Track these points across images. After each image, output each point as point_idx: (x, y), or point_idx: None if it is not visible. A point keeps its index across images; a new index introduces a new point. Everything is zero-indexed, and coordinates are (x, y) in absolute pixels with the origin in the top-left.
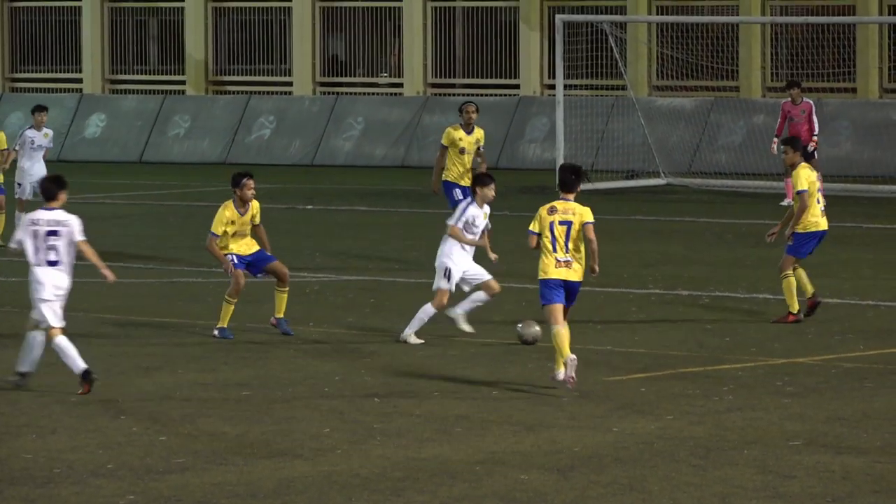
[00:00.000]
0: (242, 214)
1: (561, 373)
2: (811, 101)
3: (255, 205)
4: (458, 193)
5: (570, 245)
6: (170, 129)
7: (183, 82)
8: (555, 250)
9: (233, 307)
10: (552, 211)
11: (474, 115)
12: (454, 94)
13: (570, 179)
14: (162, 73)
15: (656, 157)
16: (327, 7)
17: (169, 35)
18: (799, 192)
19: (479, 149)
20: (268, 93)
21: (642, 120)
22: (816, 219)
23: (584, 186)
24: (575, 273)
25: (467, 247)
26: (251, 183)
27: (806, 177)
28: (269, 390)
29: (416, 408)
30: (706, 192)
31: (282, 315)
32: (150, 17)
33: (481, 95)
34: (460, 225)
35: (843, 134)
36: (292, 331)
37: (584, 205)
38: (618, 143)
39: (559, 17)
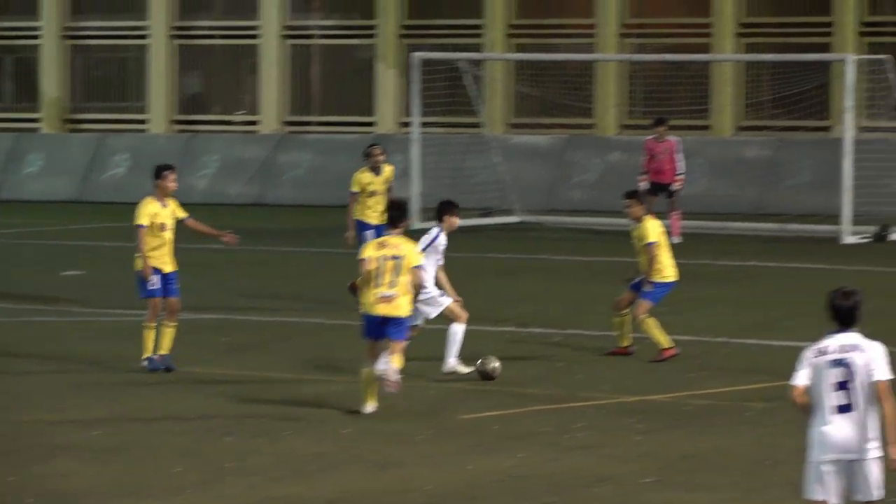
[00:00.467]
0: (164, 207)
1: (369, 406)
2: (676, 139)
3: (173, 200)
4: (368, 235)
5: (398, 280)
6: (24, 167)
7: (38, 120)
8: (378, 285)
9: (153, 332)
10: (382, 245)
11: (381, 157)
12: (310, 132)
13: (395, 215)
14: (16, 111)
15: (511, 194)
16: (183, 45)
17: (24, 72)
18: (649, 245)
19: (389, 188)
20: (123, 130)
21: (498, 157)
22: (672, 268)
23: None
24: (396, 308)
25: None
26: (173, 175)
27: (653, 228)
28: (123, 428)
29: (269, 446)
30: (561, 230)
31: (167, 351)
32: (4, 54)
33: (337, 133)
34: (426, 252)
35: (697, 171)
36: (174, 366)
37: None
38: (473, 181)
39: (415, 55)
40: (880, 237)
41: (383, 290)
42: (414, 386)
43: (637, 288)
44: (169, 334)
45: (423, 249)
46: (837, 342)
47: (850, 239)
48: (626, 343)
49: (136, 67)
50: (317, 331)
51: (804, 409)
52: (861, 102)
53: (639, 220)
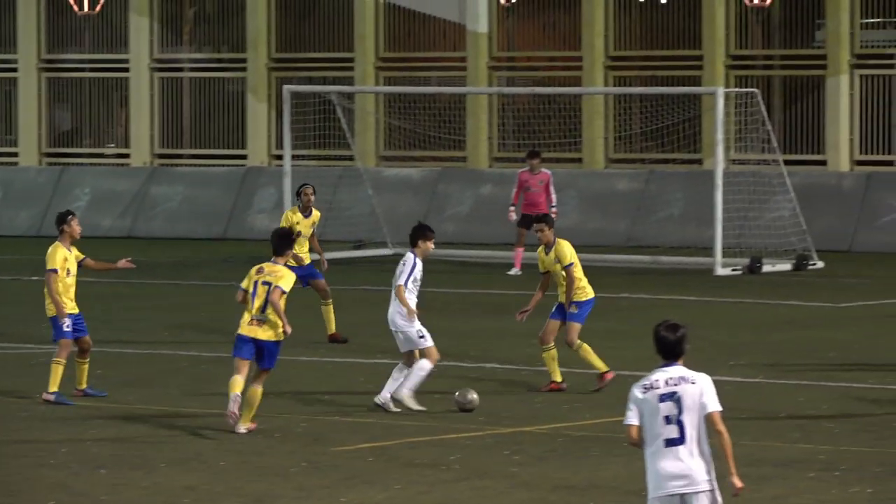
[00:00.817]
0: (70, 252)
1: (242, 427)
2: (549, 172)
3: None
4: None
5: (268, 306)
6: None
7: None
8: (252, 308)
9: (62, 368)
10: (259, 271)
11: (312, 198)
12: (181, 165)
13: (279, 243)
14: None
15: (384, 227)
16: (53, 78)
17: None
18: (567, 267)
19: (312, 232)
20: None
21: (370, 190)
22: (589, 285)
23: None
24: (264, 332)
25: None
26: (76, 220)
27: (569, 249)
28: None
29: (143, 479)
30: (433, 262)
31: (84, 385)
32: None
33: (209, 166)
34: (409, 285)
35: (570, 203)
36: (104, 392)
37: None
38: (346, 214)
39: (286, 88)
40: (753, 269)
41: (254, 313)
42: (289, 418)
43: (558, 316)
44: (84, 370)
45: (406, 280)
46: (664, 376)
47: (722, 271)
48: (559, 378)
49: (6, 100)
50: (192, 363)
51: (640, 447)
52: (731, 135)
53: (550, 244)
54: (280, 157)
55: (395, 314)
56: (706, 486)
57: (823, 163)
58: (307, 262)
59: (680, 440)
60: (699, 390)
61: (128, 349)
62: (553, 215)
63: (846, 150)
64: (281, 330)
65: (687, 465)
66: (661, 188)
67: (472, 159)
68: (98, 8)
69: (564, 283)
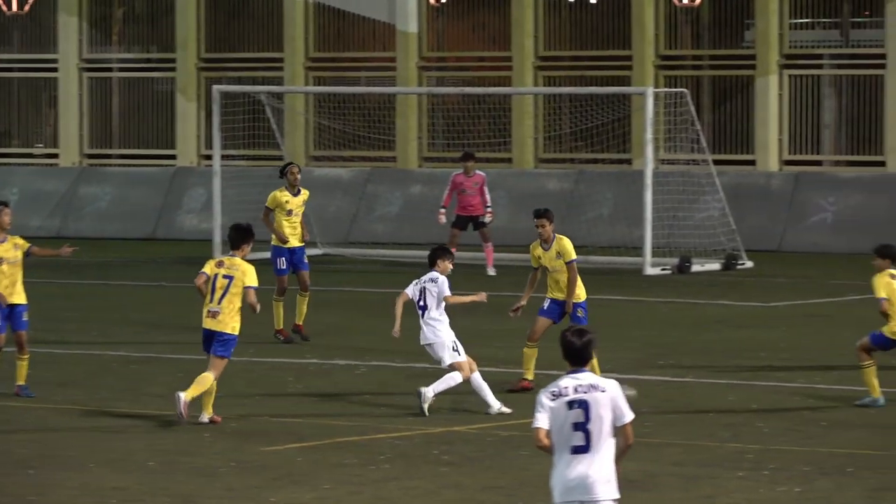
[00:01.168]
0: (1, 241)
1: (205, 416)
2: (483, 174)
3: (12, 236)
4: (281, 262)
5: (225, 299)
6: None
7: None
8: (211, 301)
9: None
10: (220, 264)
11: (299, 176)
12: (111, 165)
13: (236, 237)
14: None
15: (314, 226)
16: None
17: None
18: (570, 262)
19: (304, 211)
20: None
21: None
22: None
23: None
24: (220, 324)
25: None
26: (7, 210)
27: (570, 245)
28: None
29: (71, 479)
30: (363, 262)
31: (23, 382)
32: None
33: (138, 166)
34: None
35: (500, 203)
36: (33, 393)
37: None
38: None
39: (216, 88)
40: (682, 269)
41: (212, 306)
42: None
43: (550, 314)
44: (21, 366)
45: (450, 290)
46: (574, 383)
47: (651, 270)
48: (531, 376)
49: None
50: (121, 363)
51: (549, 452)
52: (661, 135)
53: (550, 240)
54: (209, 158)
55: (427, 331)
56: (609, 496)
57: (752, 163)
58: (299, 243)
59: (586, 448)
60: (609, 399)
61: (57, 349)
62: (489, 216)
63: (775, 150)
64: (237, 323)
65: (592, 473)
66: (591, 188)
67: (401, 159)
68: (27, 8)
69: (562, 279)
